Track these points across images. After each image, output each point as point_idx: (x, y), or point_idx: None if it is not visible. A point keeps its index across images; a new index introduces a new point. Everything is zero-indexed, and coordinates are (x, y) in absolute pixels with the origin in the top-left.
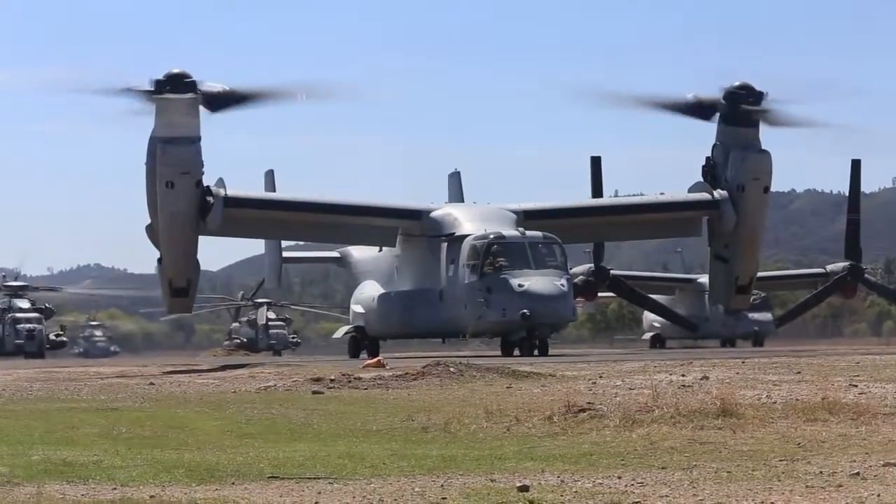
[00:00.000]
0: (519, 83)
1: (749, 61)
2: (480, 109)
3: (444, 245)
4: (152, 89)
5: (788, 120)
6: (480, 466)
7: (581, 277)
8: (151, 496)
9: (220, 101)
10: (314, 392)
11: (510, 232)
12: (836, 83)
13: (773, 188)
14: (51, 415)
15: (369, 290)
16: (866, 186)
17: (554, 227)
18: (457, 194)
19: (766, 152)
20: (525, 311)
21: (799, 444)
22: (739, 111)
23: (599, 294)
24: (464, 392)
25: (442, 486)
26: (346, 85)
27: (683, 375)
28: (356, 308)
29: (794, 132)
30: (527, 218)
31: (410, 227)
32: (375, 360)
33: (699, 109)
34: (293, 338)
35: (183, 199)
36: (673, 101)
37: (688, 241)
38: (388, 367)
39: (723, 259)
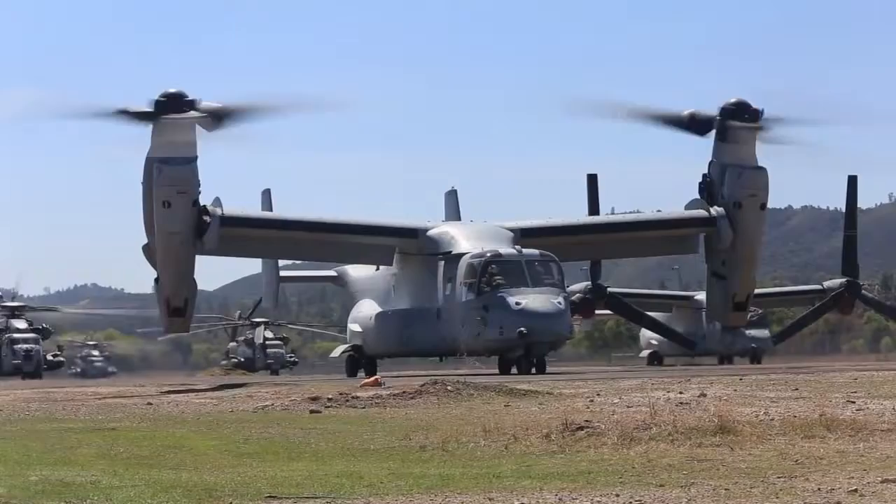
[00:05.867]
0: (515, 101)
1: (749, 78)
2: (477, 128)
3: (442, 263)
4: (152, 110)
5: (784, 138)
6: (478, 485)
7: (578, 295)
8: None
9: (219, 119)
10: (312, 411)
11: (507, 250)
12: (835, 101)
13: (769, 205)
14: (48, 435)
15: (366, 309)
16: (863, 202)
17: (551, 245)
18: (454, 212)
19: (762, 169)
20: (522, 328)
21: (797, 460)
22: (735, 128)
23: (597, 312)
24: (461, 410)
25: None
26: (338, 99)
27: (681, 393)
28: (353, 327)
29: (789, 150)
30: (524, 236)
31: (407, 246)
32: (373, 378)
33: (695, 125)
34: (290, 357)
35: (180, 219)
36: (668, 114)
37: (685, 258)
38: (385, 386)
39: (720, 276)
